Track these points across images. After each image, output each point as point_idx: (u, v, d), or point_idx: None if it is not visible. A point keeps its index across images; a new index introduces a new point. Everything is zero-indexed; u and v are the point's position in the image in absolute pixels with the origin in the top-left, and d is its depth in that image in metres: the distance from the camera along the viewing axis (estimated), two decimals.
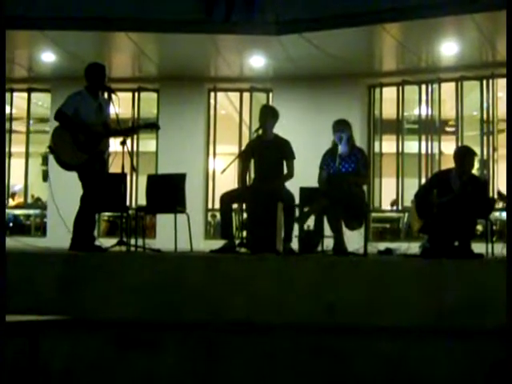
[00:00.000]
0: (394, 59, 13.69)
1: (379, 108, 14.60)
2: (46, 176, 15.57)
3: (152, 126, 8.16)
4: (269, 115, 7.75)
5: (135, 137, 14.31)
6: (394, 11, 11.06)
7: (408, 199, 13.76)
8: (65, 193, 8.26)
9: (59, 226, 7.46)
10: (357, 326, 5.21)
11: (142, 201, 9.34)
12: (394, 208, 14.46)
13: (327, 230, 7.35)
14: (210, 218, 15.08)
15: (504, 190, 8.37)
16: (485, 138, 13.80)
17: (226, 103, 16.40)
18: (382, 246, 8.81)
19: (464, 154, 7.55)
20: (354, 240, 7.70)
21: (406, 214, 14.07)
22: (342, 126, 7.58)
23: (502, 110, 14.69)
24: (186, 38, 11.96)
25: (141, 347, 5.26)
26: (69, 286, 5.52)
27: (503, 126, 15.55)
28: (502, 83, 13.99)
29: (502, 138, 14.39)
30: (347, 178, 7.34)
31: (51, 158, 7.22)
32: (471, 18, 10.94)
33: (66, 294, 5.49)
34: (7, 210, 14.80)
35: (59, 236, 7.64)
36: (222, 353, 5.24)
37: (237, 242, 7.56)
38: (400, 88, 14.31)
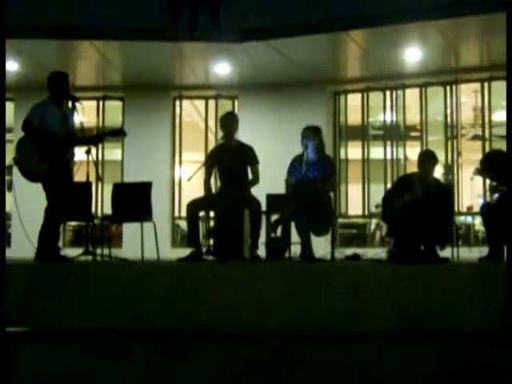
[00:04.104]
0: (359, 66, 13.76)
1: (344, 114, 14.66)
2: (10, 186, 15.39)
3: (118, 133, 8.11)
4: (232, 122, 7.78)
5: (100, 145, 14.22)
6: (358, 18, 11.11)
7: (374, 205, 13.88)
8: (29, 203, 8.17)
9: (24, 236, 7.38)
10: (326, 333, 5.22)
11: (108, 210, 9.27)
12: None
13: (294, 237, 7.35)
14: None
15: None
16: (449, 142, 13.92)
17: (191, 111, 16.36)
18: (350, 251, 8.84)
19: (425, 159, 7.63)
20: (321, 246, 7.71)
21: (373, 220, 14.16)
22: (308, 134, 7.63)
23: (465, 115, 14.86)
24: (150, 45, 11.91)
25: (109, 357, 5.21)
26: (34, 297, 5.45)
27: (466, 131, 15.76)
28: (465, 89, 14.15)
29: (465, 143, 14.55)
30: (315, 184, 7.36)
31: (15, 169, 7.15)
32: (434, 24, 11.04)
33: (32, 305, 5.42)
34: None
35: (24, 247, 7.56)
36: (191, 361, 5.21)
37: (204, 249, 7.55)
38: (365, 94, 14.39)
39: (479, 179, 12.83)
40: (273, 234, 7.44)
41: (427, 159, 7.65)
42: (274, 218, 7.67)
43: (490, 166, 7.55)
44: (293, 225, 7.36)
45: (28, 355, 5.09)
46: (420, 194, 7.21)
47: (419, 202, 7.10)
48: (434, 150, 8.31)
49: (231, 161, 7.59)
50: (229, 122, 7.79)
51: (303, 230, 7.26)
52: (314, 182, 7.40)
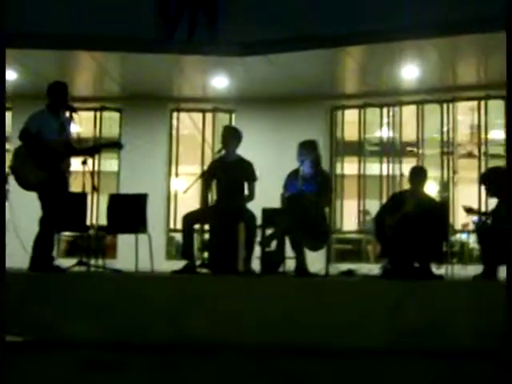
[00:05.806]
0: (356, 82, 13.81)
1: (341, 130, 14.69)
2: (6, 196, 15.35)
3: (114, 145, 8.14)
4: (232, 136, 7.78)
5: (97, 156, 14.20)
6: (355, 35, 11.17)
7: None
8: (25, 213, 8.17)
9: (17, 246, 7.37)
10: (318, 348, 5.21)
11: (103, 221, 9.26)
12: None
13: (289, 251, 7.35)
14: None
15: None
16: (445, 160, 13.96)
17: (188, 123, 16.37)
18: (344, 266, 8.83)
19: (414, 174, 7.67)
20: (316, 261, 7.71)
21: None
22: (304, 149, 7.64)
23: (461, 134, 14.89)
24: (149, 57, 11.94)
25: (103, 369, 5.19)
26: (28, 307, 5.44)
27: (462, 149, 15.79)
28: (461, 107, 14.20)
29: (461, 161, 14.58)
30: (308, 197, 7.37)
31: (11, 177, 7.15)
32: (432, 42, 11.09)
33: (25, 314, 5.41)
34: None
35: (17, 256, 7.54)
36: (184, 373, 5.19)
37: (198, 262, 7.55)
38: (362, 110, 14.43)
39: (474, 196, 12.90)
40: (267, 248, 7.43)
41: (417, 175, 7.70)
42: (269, 232, 7.66)
43: (488, 178, 7.62)
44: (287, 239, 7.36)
45: (20, 365, 5.07)
46: (412, 210, 7.22)
47: (411, 219, 7.11)
48: (427, 167, 8.33)
49: (230, 175, 7.59)
50: (229, 136, 7.78)
51: (297, 244, 7.26)
52: (308, 194, 7.40)
